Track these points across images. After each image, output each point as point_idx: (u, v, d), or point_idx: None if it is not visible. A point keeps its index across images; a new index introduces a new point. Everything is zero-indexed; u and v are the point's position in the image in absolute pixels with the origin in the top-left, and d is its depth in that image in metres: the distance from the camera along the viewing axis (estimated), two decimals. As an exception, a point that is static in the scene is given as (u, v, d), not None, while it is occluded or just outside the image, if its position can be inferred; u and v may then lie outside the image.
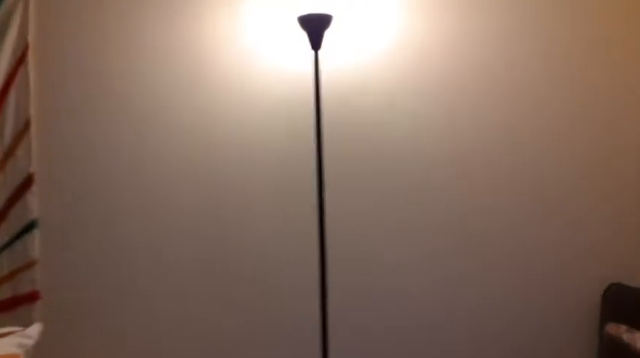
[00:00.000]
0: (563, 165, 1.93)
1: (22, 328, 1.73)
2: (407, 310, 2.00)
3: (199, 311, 2.00)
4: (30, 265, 1.91)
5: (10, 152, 1.93)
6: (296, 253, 1.99)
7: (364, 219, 1.99)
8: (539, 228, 1.95)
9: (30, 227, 1.92)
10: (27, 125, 1.94)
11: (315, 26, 1.72)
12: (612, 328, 1.78)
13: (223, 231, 2.00)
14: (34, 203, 1.93)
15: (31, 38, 1.93)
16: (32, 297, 1.92)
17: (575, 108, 1.95)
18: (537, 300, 1.97)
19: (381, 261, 1.99)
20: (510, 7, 1.93)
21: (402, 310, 2.00)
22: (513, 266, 1.97)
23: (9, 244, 1.91)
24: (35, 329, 1.74)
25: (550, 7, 1.94)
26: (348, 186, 1.98)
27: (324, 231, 1.80)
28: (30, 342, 1.68)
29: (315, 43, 1.74)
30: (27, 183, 1.92)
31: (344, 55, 1.94)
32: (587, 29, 1.94)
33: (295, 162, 1.97)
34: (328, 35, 1.77)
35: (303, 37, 1.76)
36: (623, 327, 1.74)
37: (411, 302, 2.00)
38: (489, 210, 1.96)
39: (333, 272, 1.87)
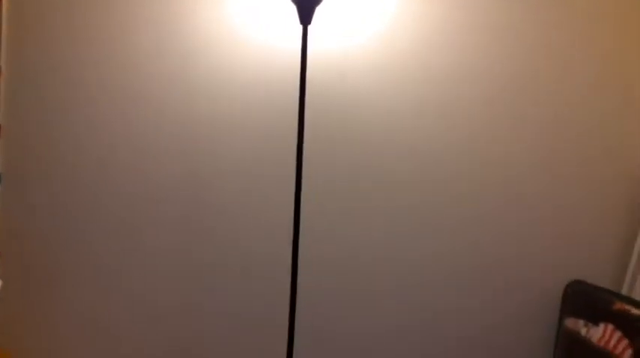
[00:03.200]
0: (533, 164, 1.96)
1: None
2: (376, 312, 2.02)
3: (164, 284, 1.99)
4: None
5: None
6: (270, 240, 2.01)
7: (341, 207, 2.00)
8: (505, 224, 1.98)
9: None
10: None
11: (304, 4, 1.70)
12: (571, 322, 1.83)
13: (198, 207, 1.99)
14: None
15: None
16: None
17: (567, 109, 1.97)
18: (499, 296, 2.01)
19: (356, 258, 2.01)
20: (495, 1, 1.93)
21: (372, 312, 2.02)
22: (479, 261, 2.00)
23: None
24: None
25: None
26: (327, 173, 1.98)
27: (299, 214, 1.80)
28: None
29: (305, 17, 1.72)
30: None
31: (334, 36, 1.93)
32: (589, 23, 1.92)
33: (276, 141, 1.97)
34: (319, 13, 1.76)
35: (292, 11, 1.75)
36: (581, 322, 1.80)
37: (381, 304, 2.03)
38: (455, 204, 1.98)
39: (305, 266, 1.90)
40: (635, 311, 1.69)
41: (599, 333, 1.75)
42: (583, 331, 1.78)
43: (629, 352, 1.67)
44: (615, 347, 1.70)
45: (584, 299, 1.86)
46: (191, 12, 1.93)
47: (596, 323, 1.77)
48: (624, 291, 1.91)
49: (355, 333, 2.04)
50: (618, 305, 1.73)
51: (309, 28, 1.78)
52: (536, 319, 2.00)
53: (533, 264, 1.98)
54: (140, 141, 1.98)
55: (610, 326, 1.73)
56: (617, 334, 1.71)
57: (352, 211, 1.99)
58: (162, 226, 1.99)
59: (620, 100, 1.89)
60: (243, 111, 1.97)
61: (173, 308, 2.03)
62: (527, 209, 1.96)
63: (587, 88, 1.89)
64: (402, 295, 2.02)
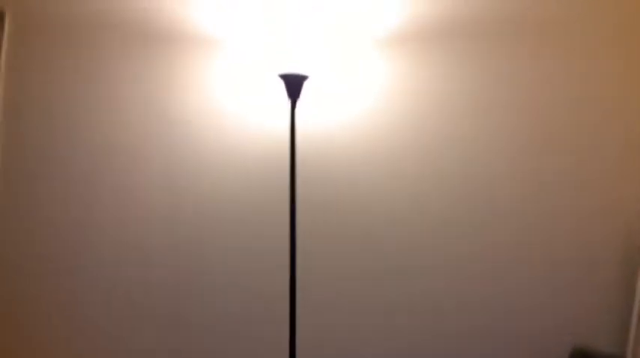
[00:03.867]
0: (535, 220, 1.96)
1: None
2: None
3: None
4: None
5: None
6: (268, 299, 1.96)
7: (335, 278, 1.97)
8: (507, 289, 1.96)
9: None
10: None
11: (293, 81, 1.77)
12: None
13: (190, 282, 1.95)
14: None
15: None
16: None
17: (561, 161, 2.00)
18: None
19: (355, 329, 1.97)
20: (483, 71, 1.99)
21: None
22: (482, 330, 1.95)
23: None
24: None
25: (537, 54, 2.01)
26: (320, 243, 1.97)
27: (295, 285, 1.76)
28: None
29: (293, 92, 1.77)
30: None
31: (321, 112, 1.99)
32: (579, 73, 1.97)
33: (269, 216, 1.97)
34: (306, 90, 1.83)
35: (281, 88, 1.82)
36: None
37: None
38: (463, 269, 1.96)
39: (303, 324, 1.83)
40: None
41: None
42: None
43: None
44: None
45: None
46: (179, 88, 1.98)
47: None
48: (629, 356, 1.86)
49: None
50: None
51: (297, 102, 1.84)
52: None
53: (534, 331, 1.93)
54: (130, 215, 1.95)
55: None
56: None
57: (347, 283, 1.95)
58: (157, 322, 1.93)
59: (620, 157, 1.94)
60: (234, 188, 1.98)
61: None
62: (524, 275, 1.94)
63: (587, 147, 1.95)
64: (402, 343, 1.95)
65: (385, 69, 1.97)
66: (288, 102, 1.89)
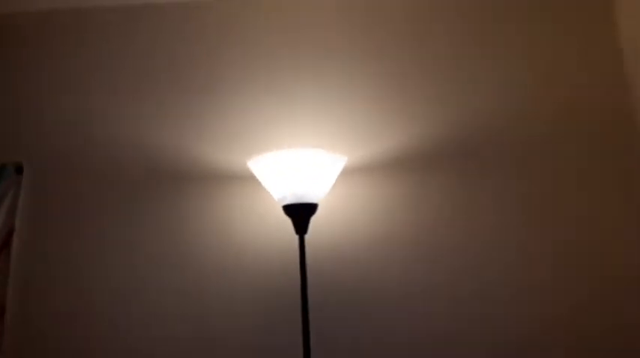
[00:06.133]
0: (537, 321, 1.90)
1: None
2: None
3: None
4: None
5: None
6: None
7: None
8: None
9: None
10: (1, 311, 1.88)
11: (300, 213, 1.78)
12: None
13: None
14: None
15: (17, 223, 1.96)
16: None
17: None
18: None
19: None
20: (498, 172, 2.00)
21: None
22: None
23: None
24: None
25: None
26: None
27: None
28: None
29: (301, 229, 1.78)
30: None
31: (329, 239, 1.98)
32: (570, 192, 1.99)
33: (281, 350, 1.91)
34: (314, 220, 1.84)
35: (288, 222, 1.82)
36: None
37: None
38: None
39: None
40: None
41: None
42: None
43: None
44: None
45: None
46: (194, 216, 2.00)
47: None
48: None
49: None
50: None
51: (306, 237, 1.83)
52: None
53: None
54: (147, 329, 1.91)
55: None
56: None
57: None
58: None
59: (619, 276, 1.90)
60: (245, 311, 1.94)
61: None
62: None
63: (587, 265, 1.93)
64: None
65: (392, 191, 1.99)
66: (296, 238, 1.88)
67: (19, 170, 2.00)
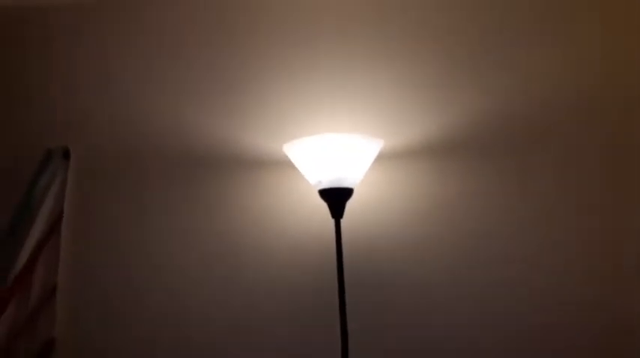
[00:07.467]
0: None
1: None
2: None
3: None
4: None
5: (34, 316, 1.92)
6: None
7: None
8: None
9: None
10: (53, 291, 1.97)
11: (335, 197, 1.81)
12: None
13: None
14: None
15: (66, 208, 2.04)
16: None
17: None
18: None
19: None
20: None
21: None
22: None
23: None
24: None
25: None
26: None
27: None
28: None
29: (337, 213, 1.81)
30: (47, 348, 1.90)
31: (366, 223, 2.00)
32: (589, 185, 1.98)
33: (319, 331, 1.94)
34: (350, 204, 1.86)
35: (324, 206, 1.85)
36: None
37: None
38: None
39: None
40: None
41: None
42: None
43: None
44: None
45: None
46: (232, 201, 2.05)
47: None
48: None
49: None
50: None
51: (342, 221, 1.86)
52: None
53: None
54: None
55: None
56: None
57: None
58: None
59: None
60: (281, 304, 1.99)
61: None
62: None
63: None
64: None
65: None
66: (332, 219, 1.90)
67: (66, 154, 2.08)
